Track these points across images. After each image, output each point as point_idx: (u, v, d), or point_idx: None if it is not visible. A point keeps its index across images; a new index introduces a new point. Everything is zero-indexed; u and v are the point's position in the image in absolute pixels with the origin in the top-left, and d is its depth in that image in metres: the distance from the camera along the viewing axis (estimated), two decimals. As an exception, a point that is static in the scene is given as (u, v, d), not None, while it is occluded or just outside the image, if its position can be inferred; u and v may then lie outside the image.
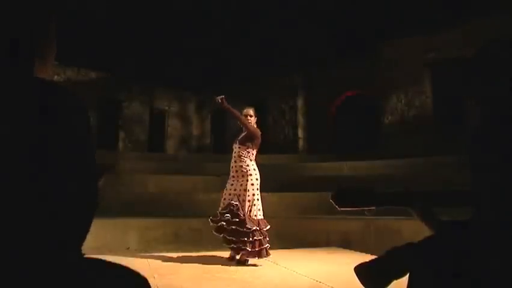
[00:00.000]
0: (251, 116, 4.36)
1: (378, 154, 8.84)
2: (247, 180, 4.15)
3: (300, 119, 12.10)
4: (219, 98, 4.26)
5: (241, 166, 4.20)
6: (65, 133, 0.92)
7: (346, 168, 8.26)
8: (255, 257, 3.97)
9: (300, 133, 12.05)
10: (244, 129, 4.33)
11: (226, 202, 4.16)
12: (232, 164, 4.28)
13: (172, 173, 7.72)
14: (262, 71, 12.13)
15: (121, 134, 12.76)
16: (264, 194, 6.71)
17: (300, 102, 12.17)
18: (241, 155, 4.24)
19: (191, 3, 12.04)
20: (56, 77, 11.12)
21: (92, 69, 12.15)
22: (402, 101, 10.25)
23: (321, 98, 11.73)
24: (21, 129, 0.87)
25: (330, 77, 11.39)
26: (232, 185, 4.21)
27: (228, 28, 12.35)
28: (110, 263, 1.01)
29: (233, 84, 12.12)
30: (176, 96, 14.02)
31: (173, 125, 14.04)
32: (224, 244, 4.18)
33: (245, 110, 4.42)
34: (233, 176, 4.23)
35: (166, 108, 13.86)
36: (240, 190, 4.13)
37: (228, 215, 4.03)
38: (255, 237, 3.96)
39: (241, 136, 4.35)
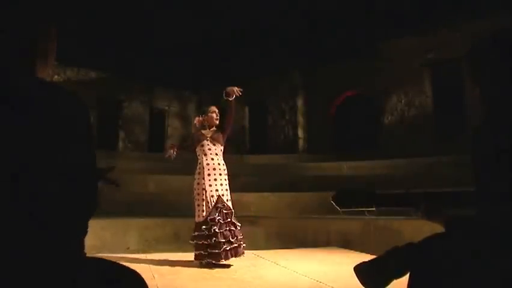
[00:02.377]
0: (217, 114, 4.28)
1: (378, 154, 8.84)
2: (226, 180, 4.07)
3: (300, 119, 12.10)
4: (236, 91, 4.19)
5: (219, 164, 4.09)
6: (65, 133, 0.92)
7: (346, 168, 8.27)
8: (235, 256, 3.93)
9: (300, 133, 12.05)
10: (214, 126, 4.23)
11: (210, 205, 3.90)
12: (209, 161, 4.05)
13: (172, 173, 7.72)
14: (262, 71, 12.13)
15: (121, 134, 12.76)
16: (264, 194, 6.75)
17: (300, 102, 12.17)
18: (218, 154, 4.14)
19: (191, 3, 12.05)
20: (56, 77, 11.12)
21: (92, 69, 12.15)
22: (402, 101, 10.26)
23: (321, 98, 11.74)
24: (21, 129, 0.88)
25: (330, 77, 11.39)
26: (210, 185, 3.97)
27: (227, 28, 12.36)
28: (108, 261, 1.01)
29: (233, 84, 12.10)
30: (176, 96, 14.02)
31: (173, 125, 14.04)
32: (208, 251, 3.80)
33: (212, 108, 4.31)
34: (209, 175, 4.00)
35: (166, 108, 13.86)
36: (222, 190, 4.00)
37: (219, 217, 3.88)
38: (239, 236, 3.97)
39: (214, 134, 4.20)
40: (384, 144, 10.18)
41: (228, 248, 3.83)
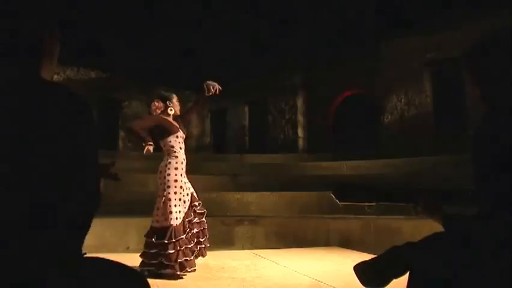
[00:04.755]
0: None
1: (378, 154, 8.84)
2: None
3: (300, 119, 12.10)
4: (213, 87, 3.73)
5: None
6: (69, 131, 0.92)
7: (346, 167, 8.26)
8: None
9: (300, 133, 12.05)
10: (178, 118, 3.87)
11: (186, 205, 3.57)
12: (184, 156, 3.71)
13: (172, 172, 7.71)
14: (262, 71, 12.13)
15: (121, 134, 12.76)
16: (264, 193, 6.75)
17: (300, 102, 12.17)
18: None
19: (192, 3, 12.05)
20: (56, 76, 11.11)
21: (92, 69, 12.14)
22: (402, 101, 10.25)
23: (321, 98, 11.73)
24: (25, 128, 0.88)
25: (330, 77, 11.38)
26: (186, 183, 3.65)
27: (227, 28, 12.35)
28: (108, 261, 1.01)
29: (233, 84, 12.12)
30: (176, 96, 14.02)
31: (173, 125, 14.00)
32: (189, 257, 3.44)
33: (175, 95, 3.94)
34: (184, 172, 3.68)
35: (166, 108, 13.84)
36: (191, 188, 3.69)
37: (196, 218, 3.64)
38: None
39: (181, 125, 3.82)
40: (384, 143, 10.18)
41: (197, 248, 3.58)
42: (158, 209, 3.54)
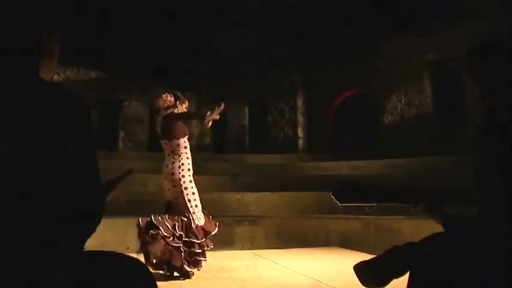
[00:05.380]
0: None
1: (377, 154, 8.84)
2: None
3: (300, 119, 12.10)
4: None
5: None
6: (68, 132, 0.92)
7: (346, 167, 8.27)
8: None
9: (300, 133, 12.05)
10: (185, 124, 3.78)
11: (200, 207, 3.60)
12: (191, 158, 3.70)
13: (172, 172, 7.70)
14: (262, 71, 12.13)
15: (121, 134, 12.76)
16: (264, 193, 6.75)
17: (300, 102, 12.17)
18: None
19: (192, 4, 12.05)
20: (56, 76, 11.11)
21: (92, 69, 12.14)
22: (402, 101, 10.25)
23: (321, 98, 11.73)
24: (24, 129, 0.88)
25: (330, 77, 11.38)
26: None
27: (228, 28, 12.35)
28: (107, 252, 1.02)
29: (233, 84, 12.13)
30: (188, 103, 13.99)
31: (173, 125, 13.99)
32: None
33: (187, 101, 3.92)
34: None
35: (166, 108, 13.83)
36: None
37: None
38: None
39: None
40: (384, 144, 10.18)
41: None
42: (182, 211, 3.52)
